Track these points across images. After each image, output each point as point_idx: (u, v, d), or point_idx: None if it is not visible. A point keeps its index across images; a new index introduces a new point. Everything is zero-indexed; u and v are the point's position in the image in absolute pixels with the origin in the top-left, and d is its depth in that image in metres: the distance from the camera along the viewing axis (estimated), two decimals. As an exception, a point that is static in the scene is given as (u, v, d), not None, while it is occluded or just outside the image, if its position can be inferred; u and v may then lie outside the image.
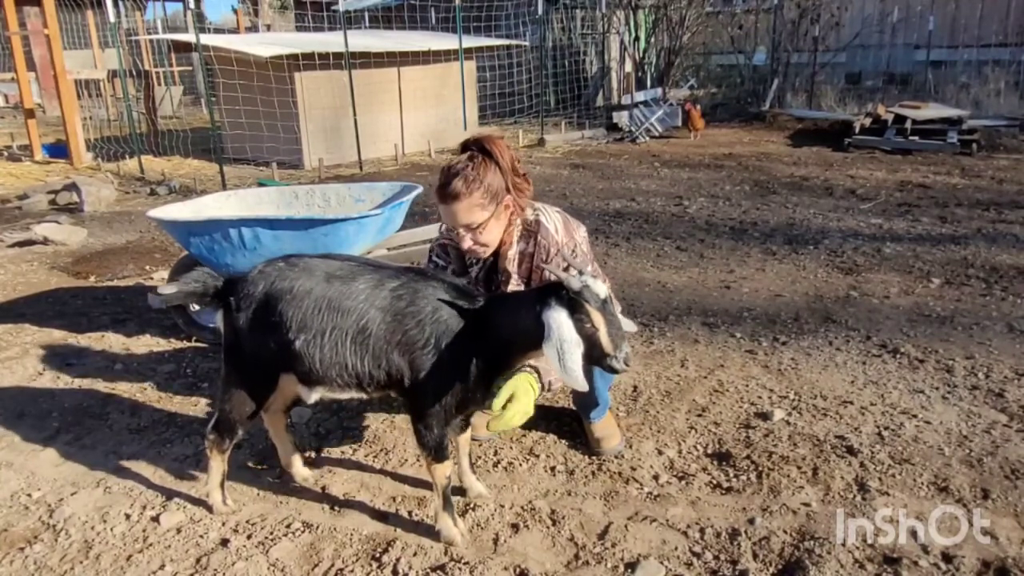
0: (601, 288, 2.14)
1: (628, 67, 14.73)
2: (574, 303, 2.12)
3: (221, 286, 2.51)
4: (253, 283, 2.43)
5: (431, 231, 4.61)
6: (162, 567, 2.37)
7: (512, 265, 2.67)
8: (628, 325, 2.35)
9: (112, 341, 4.27)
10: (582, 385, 2.12)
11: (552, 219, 2.69)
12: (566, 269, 2.30)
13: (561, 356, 2.09)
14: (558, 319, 2.11)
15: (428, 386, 2.29)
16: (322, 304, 2.33)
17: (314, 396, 2.48)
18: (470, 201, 2.48)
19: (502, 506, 2.64)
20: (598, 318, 2.12)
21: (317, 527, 2.54)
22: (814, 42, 13.55)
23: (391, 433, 3.16)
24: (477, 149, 2.55)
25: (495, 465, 2.91)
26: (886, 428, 3.08)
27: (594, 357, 2.16)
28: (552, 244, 2.64)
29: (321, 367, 2.35)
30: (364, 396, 2.48)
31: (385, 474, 2.87)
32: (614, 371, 2.20)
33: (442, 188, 2.50)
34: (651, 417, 3.25)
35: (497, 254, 2.68)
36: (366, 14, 15.32)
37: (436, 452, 2.36)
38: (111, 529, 2.57)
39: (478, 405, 2.47)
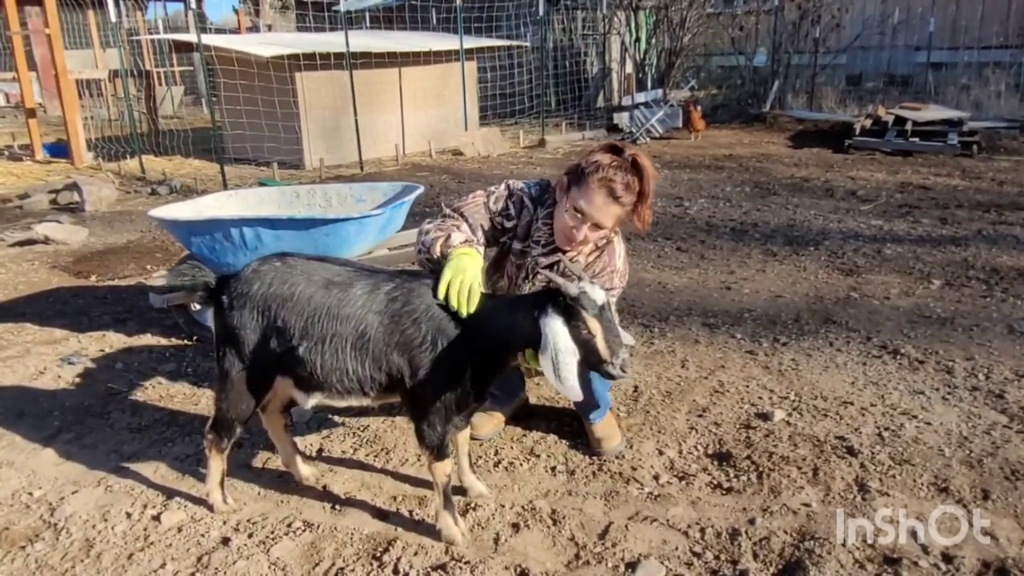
0: (599, 295, 2.14)
1: (629, 68, 14.72)
2: (571, 310, 2.12)
3: (212, 282, 2.49)
4: (247, 282, 2.41)
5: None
6: (163, 566, 2.37)
7: (582, 258, 2.71)
8: (627, 338, 2.35)
9: (113, 340, 4.27)
10: (576, 395, 2.13)
11: (621, 246, 2.77)
12: (564, 275, 2.29)
13: (556, 366, 2.09)
14: (554, 328, 2.12)
15: (428, 383, 2.29)
16: (322, 312, 2.33)
17: (311, 402, 2.47)
18: (623, 212, 2.53)
19: (503, 506, 2.64)
20: (594, 325, 2.12)
21: (318, 526, 2.55)
22: (815, 43, 13.55)
23: (392, 432, 3.16)
24: (631, 162, 2.51)
25: (496, 465, 2.92)
26: (886, 429, 3.08)
27: (591, 363, 2.17)
28: (610, 266, 2.72)
29: (322, 373, 2.35)
30: (365, 402, 2.47)
31: (386, 473, 2.87)
32: (611, 377, 2.20)
33: (614, 187, 2.45)
34: (652, 417, 3.25)
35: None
36: (367, 14, 15.32)
37: (437, 450, 2.36)
38: (112, 528, 2.57)
39: (478, 403, 2.47)
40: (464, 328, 2.27)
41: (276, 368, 2.43)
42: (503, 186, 2.75)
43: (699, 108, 11.74)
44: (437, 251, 2.43)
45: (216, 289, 2.48)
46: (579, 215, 2.52)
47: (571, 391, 2.10)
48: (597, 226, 2.54)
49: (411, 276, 2.42)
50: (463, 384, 2.31)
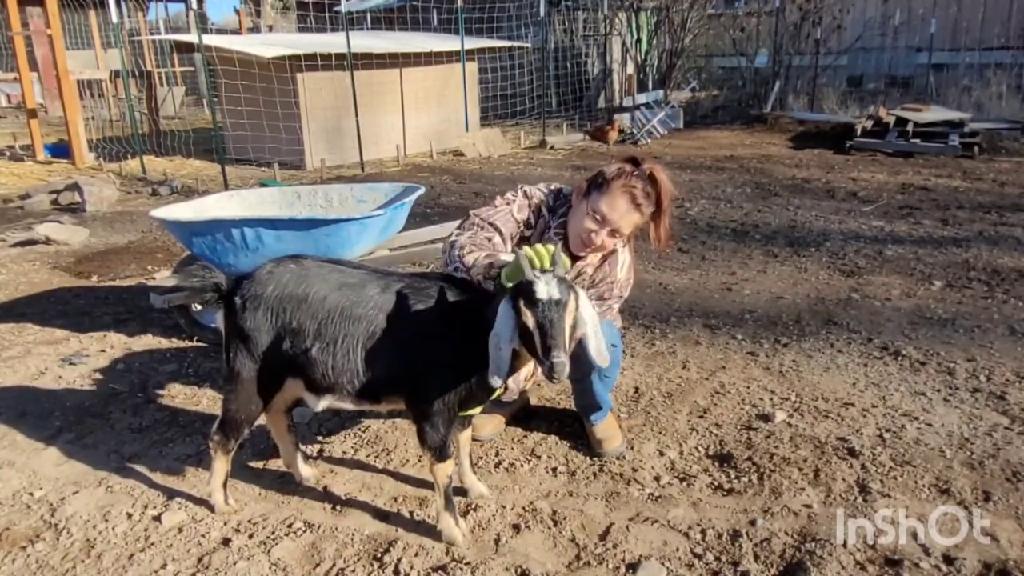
0: (548, 290, 2.03)
1: (630, 69, 14.73)
2: (517, 296, 2.07)
3: (223, 283, 2.50)
4: (262, 284, 2.42)
5: (433, 232, 4.62)
6: (164, 566, 2.37)
7: (589, 268, 2.72)
8: (600, 359, 2.21)
9: (114, 340, 4.27)
10: (494, 381, 2.10)
11: (625, 258, 2.77)
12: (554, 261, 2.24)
13: (491, 347, 2.10)
14: (501, 310, 2.11)
15: (433, 383, 2.30)
16: (335, 313, 2.35)
17: (322, 404, 2.47)
18: (642, 220, 2.59)
19: (503, 507, 2.64)
20: (528, 317, 2.04)
21: (319, 527, 2.55)
22: (816, 45, 13.56)
23: (393, 433, 3.16)
24: (648, 175, 2.54)
25: (496, 466, 2.92)
26: (887, 430, 3.08)
27: (532, 356, 2.12)
28: (611, 276, 2.73)
29: (333, 374, 2.36)
30: (375, 406, 2.47)
31: (387, 474, 2.87)
32: (547, 377, 2.07)
33: (635, 194, 2.51)
34: (653, 418, 3.25)
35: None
36: (368, 15, 15.32)
37: (439, 452, 2.36)
38: (113, 528, 2.57)
39: (480, 402, 2.47)
40: (467, 326, 2.27)
41: (288, 369, 2.43)
42: (520, 194, 2.71)
43: (615, 125, 10.93)
44: (478, 274, 2.32)
45: (228, 290, 2.48)
46: (599, 219, 2.54)
47: (492, 374, 2.08)
48: (615, 232, 2.56)
49: (422, 277, 2.45)
50: (467, 382, 2.31)
